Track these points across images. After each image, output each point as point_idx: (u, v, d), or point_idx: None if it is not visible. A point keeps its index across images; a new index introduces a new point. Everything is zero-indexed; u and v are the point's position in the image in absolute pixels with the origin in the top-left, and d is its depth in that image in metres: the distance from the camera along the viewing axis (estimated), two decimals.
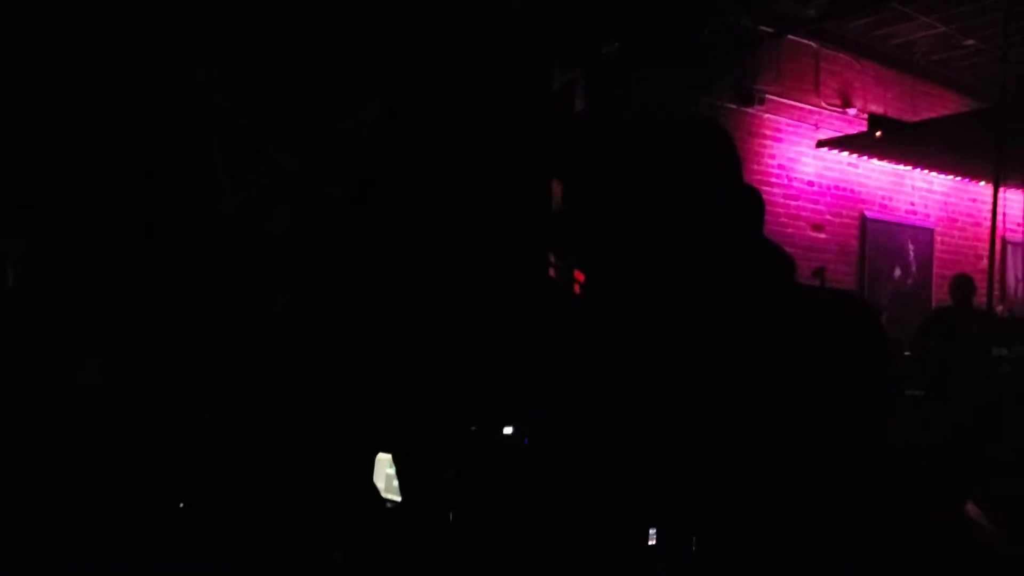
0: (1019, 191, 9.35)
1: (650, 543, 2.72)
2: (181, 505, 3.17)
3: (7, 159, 3.08)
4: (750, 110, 7.82)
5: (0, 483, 2.99)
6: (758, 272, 2.85)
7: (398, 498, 3.28)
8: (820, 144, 8.21)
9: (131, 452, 3.08)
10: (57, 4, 3.08)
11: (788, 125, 8.10)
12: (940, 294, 8.72)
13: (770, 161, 7.98)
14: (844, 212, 8.51)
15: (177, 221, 3.21)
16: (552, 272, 3.98)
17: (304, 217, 3.32)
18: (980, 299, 6.98)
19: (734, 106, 7.71)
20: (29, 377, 3.05)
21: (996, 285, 8.18)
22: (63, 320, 3.15)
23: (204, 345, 3.11)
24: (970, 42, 8.30)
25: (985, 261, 9.48)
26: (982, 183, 9.46)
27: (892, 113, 8.69)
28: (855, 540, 2.40)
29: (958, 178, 9.45)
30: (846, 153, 8.42)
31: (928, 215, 9.30)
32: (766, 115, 7.94)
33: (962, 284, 7.05)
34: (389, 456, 3.32)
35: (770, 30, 7.76)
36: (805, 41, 8.13)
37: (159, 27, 3.16)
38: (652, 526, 2.77)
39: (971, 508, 3.16)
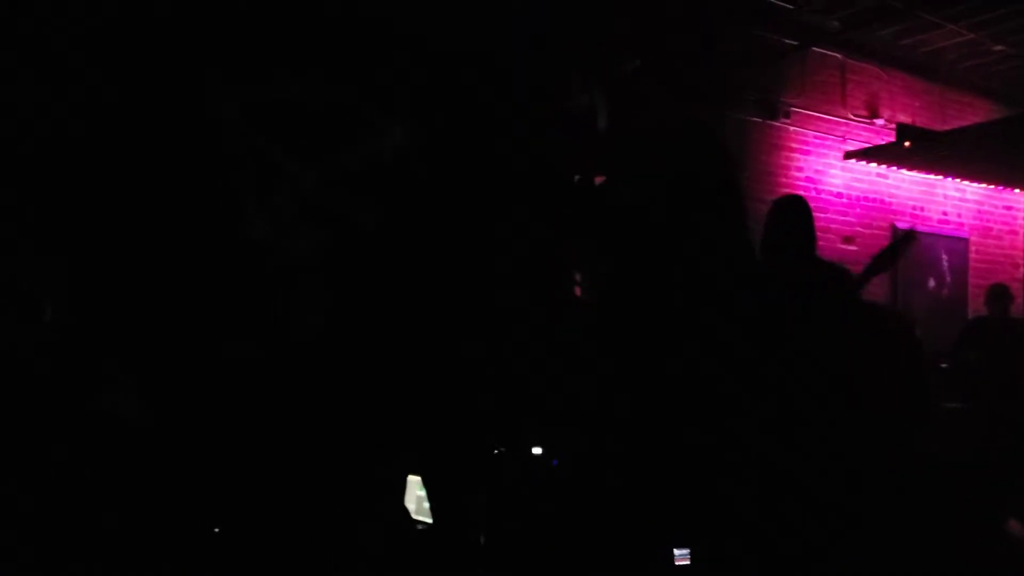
0: None
1: (682, 563, 2.68)
2: (216, 530, 3.18)
3: (38, 194, 3.12)
4: (776, 123, 7.77)
5: (39, 513, 3.01)
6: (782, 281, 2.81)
7: (429, 520, 3.27)
8: (848, 155, 8.14)
9: (171, 480, 3.09)
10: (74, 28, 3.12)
11: (815, 137, 8.04)
12: (976, 305, 8.58)
13: (797, 174, 7.92)
14: (874, 223, 8.42)
15: (202, 245, 3.23)
16: (578, 290, 3.96)
17: (331, 240, 3.33)
18: (1018, 309, 6.86)
19: (759, 120, 7.67)
20: (68, 410, 3.07)
21: None
22: (99, 352, 3.18)
23: (232, 370, 3.12)
24: (999, 48, 8.21)
25: (1022, 270, 9.34)
26: (1016, 190, 9.34)
27: (921, 122, 8.59)
28: (892, 550, 2.35)
29: (991, 186, 9.32)
30: (875, 164, 8.34)
31: (962, 224, 9.18)
32: (792, 128, 7.89)
33: (999, 294, 6.95)
34: (420, 478, 3.31)
35: (794, 42, 7.73)
36: (830, 52, 8.08)
37: (176, 48, 3.18)
38: (684, 544, 2.73)
39: (1013, 524, 3.09)
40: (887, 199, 8.55)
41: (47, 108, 3.13)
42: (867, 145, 8.21)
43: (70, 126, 3.12)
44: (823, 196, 8.05)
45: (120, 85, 3.14)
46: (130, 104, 3.15)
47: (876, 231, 8.42)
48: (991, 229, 9.49)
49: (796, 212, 3.87)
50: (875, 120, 8.44)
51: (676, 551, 2.74)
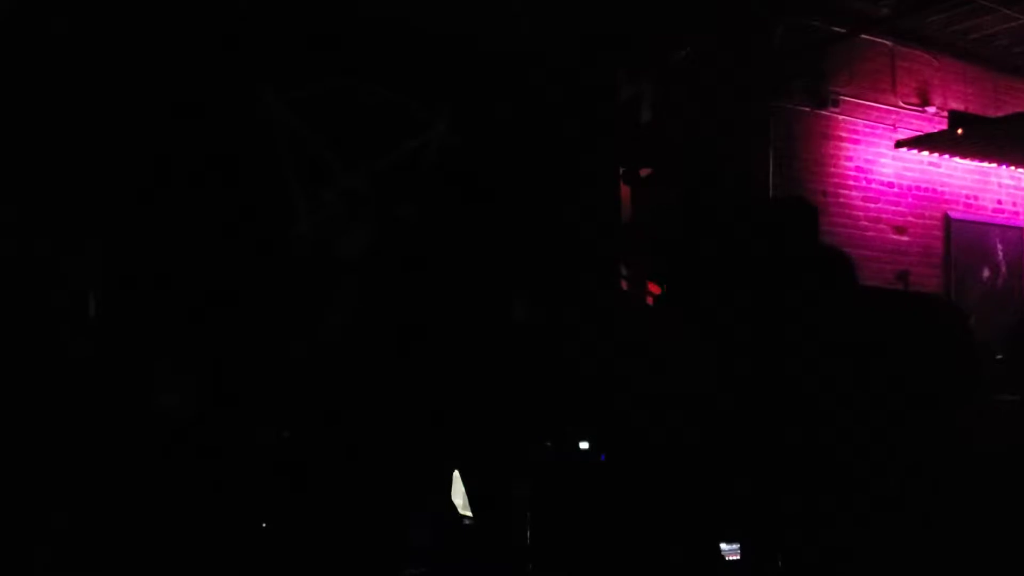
0: None
1: (732, 559, 2.65)
2: (264, 525, 3.21)
3: (85, 188, 3.17)
4: (824, 112, 7.66)
5: (89, 500, 3.07)
6: (830, 276, 2.78)
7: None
8: (899, 144, 7.99)
9: (214, 472, 3.13)
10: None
11: (865, 126, 7.91)
12: None
13: (847, 163, 7.80)
14: (927, 213, 8.27)
15: (251, 240, 3.27)
16: (624, 284, 3.94)
17: (375, 235, 3.35)
18: None
19: (808, 109, 7.57)
20: (115, 400, 3.12)
21: None
22: (144, 345, 3.23)
23: (278, 364, 3.15)
24: None
25: None
26: None
27: (974, 109, 8.42)
28: (946, 544, 2.31)
29: None
30: (927, 152, 8.19)
31: (1017, 213, 8.98)
32: (841, 117, 7.77)
33: None
34: (461, 473, 3.31)
35: (843, 30, 7.60)
36: (880, 39, 7.94)
37: (229, 50, 3.22)
38: (735, 540, 2.71)
39: None
40: (939, 188, 8.39)
41: (100, 101, 3.18)
42: (918, 133, 8.05)
43: (123, 123, 3.17)
44: (873, 186, 7.93)
45: (174, 79, 3.18)
46: (182, 99, 3.19)
47: (928, 221, 8.27)
48: None
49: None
50: (926, 108, 8.28)
51: (725, 546, 2.71)
